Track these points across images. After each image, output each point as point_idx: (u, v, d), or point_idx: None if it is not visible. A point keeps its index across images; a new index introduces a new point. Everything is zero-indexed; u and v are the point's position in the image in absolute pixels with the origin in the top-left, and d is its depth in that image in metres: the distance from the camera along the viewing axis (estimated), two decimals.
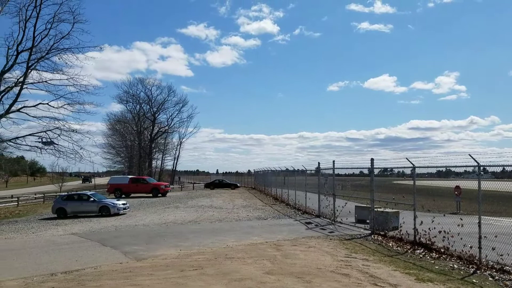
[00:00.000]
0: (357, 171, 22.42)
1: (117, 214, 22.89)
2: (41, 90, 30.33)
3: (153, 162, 74.09)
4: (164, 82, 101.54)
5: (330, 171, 19.46)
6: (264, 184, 45.27)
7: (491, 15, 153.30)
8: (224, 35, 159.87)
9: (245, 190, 52.96)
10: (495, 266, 9.30)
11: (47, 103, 29.12)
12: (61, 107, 29.56)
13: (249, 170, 73.74)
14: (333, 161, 18.85)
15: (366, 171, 17.11)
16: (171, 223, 18.85)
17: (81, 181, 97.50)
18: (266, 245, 12.65)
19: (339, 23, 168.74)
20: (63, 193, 30.56)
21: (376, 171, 16.01)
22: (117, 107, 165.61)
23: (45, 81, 28.84)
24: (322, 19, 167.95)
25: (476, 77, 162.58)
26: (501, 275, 8.72)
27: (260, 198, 36.28)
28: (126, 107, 70.20)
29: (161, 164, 75.95)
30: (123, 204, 23.85)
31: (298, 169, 26.95)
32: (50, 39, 28.30)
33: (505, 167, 11.15)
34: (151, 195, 38.79)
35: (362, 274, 8.88)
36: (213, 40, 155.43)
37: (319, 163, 21.88)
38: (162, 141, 74.99)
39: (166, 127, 72.40)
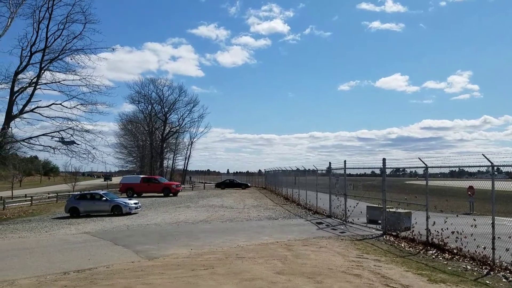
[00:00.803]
0: (368, 171, 22.28)
1: (129, 214, 23.07)
2: (54, 90, 30.80)
3: (164, 162, 74.54)
4: (175, 82, 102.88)
5: (341, 171, 19.36)
6: (275, 184, 45.22)
7: (503, 13, 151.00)
8: (235, 35, 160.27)
9: (255, 190, 52.97)
10: (509, 267, 9.16)
11: (60, 104, 29.52)
12: (74, 107, 29.94)
13: (259, 170, 74.03)
14: (344, 161, 18.77)
15: (377, 171, 16.98)
16: (182, 223, 18.94)
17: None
18: (277, 245, 12.63)
19: (350, 22, 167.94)
20: (76, 193, 30.91)
21: (388, 171, 15.89)
22: (129, 107, 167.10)
23: (58, 82, 29.26)
24: (333, 18, 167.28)
25: (489, 76, 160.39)
26: None
27: (271, 198, 36.25)
28: (138, 107, 70.87)
29: (172, 164, 76.41)
30: (135, 203, 24.03)
31: (309, 169, 26.86)
32: (62, 40, 28.74)
33: None
34: (162, 194, 39.00)
35: (374, 274, 8.82)
36: (223, 40, 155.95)
37: (330, 163, 21.79)
38: (173, 141, 75.42)
39: (177, 127, 72.83)
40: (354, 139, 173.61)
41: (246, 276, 8.60)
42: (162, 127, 71.18)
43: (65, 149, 29.04)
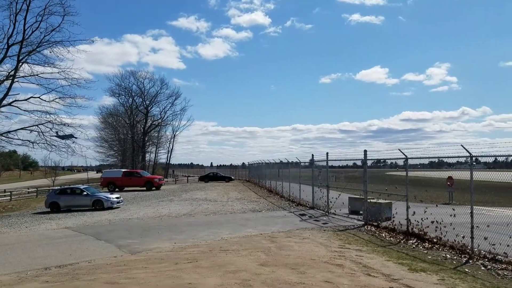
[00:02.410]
0: (350, 163, 22.48)
1: (111, 208, 22.82)
2: (33, 83, 30.17)
3: (147, 155, 73.86)
4: (156, 74, 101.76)
5: (324, 163, 19.53)
6: (259, 177, 45.34)
7: (482, 6, 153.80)
8: (215, 27, 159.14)
9: (239, 183, 53.02)
10: (488, 256, 9.41)
11: (39, 97, 28.92)
12: (53, 100, 29.37)
13: (243, 163, 73.94)
14: (327, 153, 18.93)
15: (359, 163, 17.18)
16: (166, 216, 18.84)
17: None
18: (260, 237, 12.70)
19: (330, 15, 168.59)
20: (56, 187, 30.39)
21: (369, 163, 16.10)
22: (109, 100, 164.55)
23: (36, 75, 28.62)
24: (313, 11, 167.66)
25: (467, 68, 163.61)
26: (494, 265, 8.83)
27: (255, 191, 36.35)
28: (119, 100, 69.77)
29: (155, 158, 75.76)
30: (117, 197, 23.78)
31: (292, 162, 27.01)
32: (40, 32, 28.08)
33: (497, 158, 11.24)
34: (145, 188, 38.69)
35: (356, 264, 8.96)
36: (204, 33, 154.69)
37: (312, 155, 21.96)
38: (156, 134, 74.67)
39: (159, 120, 72.05)
40: (336, 131, 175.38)
41: (230, 268, 8.62)
42: (144, 120, 70.35)
43: (44, 143, 28.51)
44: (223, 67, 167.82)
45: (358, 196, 17.90)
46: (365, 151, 15.59)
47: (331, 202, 18.44)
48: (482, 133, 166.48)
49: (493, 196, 22.93)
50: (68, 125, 28.90)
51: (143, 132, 70.07)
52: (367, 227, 14.54)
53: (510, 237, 9.43)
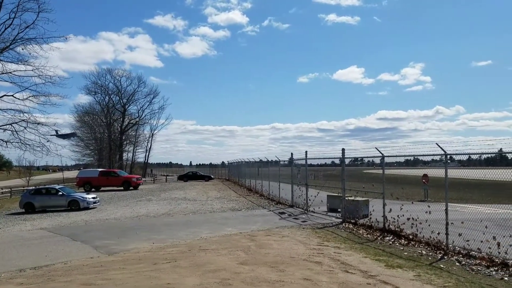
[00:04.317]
0: (329, 161, 22.74)
1: (87, 208, 22.41)
2: (6, 81, 29.31)
3: (124, 154, 72.66)
4: (133, 72, 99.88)
5: (303, 162, 19.67)
6: (238, 176, 45.31)
7: (454, 7, 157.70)
8: (193, 25, 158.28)
9: (219, 182, 52.87)
10: (462, 252, 9.65)
11: (12, 95, 28.21)
12: (27, 99, 28.66)
13: (222, 162, 73.75)
14: (306, 152, 19.07)
15: (337, 161, 17.38)
16: (144, 216, 18.62)
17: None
18: (240, 236, 12.69)
19: (307, 14, 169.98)
20: (31, 187, 29.63)
21: (347, 161, 16.29)
22: (84, 99, 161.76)
23: (9, 72, 27.90)
24: (290, 10, 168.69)
25: (441, 68, 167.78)
26: (468, 260, 9.07)
27: (234, 190, 36.31)
28: (95, 98, 68.44)
29: (132, 157, 74.63)
30: (93, 197, 23.37)
31: (271, 160, 27.10)
32: (13, 29, 27.31)
33: (470, 156, 11.56)
34: (122, 188, 38.14)
35: (334, 261, 9.06)
36: (181, 31, 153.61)
37: (292, 153, 22.07)
38: (133, 133, 73.58)
39: (137, 119, 71.07)
40: (315, 130, 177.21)
41: (210, 267, 8.59)
42: (121, 119, 69.24)
43: (18, 142, 27.78)
44: (201, 66, 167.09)
45: (337, 194, 18.10)
46: (343, 150, 15.77)
47: (310, 200, 18.59)
48: (456, 132, 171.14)
49: (467, 193, 23.59)
50: (43, 124, 28.25)
51: (120, 131, 68.97)
52: (345, 224, 14.73)
53: (484, 233, 9.72)
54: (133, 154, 74.36)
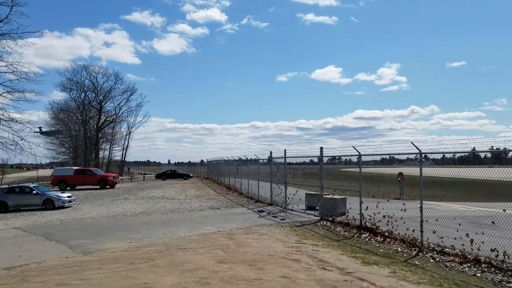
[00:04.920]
0: (307, 160, 22.96)
1: (62, 207, 21.95)
2: None
3: (100, 152, 71.39)
4: (110, 69, 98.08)
5: (282, 160, 19.77)
6: (217, 174, 45.17)
7: (429, 8, 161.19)
8: (171, 22, 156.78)
9: (198, 180, 52.60)
10: (436, 248, 9.89)
11: None
12: (0, 95, 27.73)
13: (202, 160, 73.39)
14: (285, 150, 19.17)
15: (315, 160, 17.55)
16: (120, 215, 18.35)
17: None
18: (219, 235, 12.66)
19: (285, 14, 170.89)
20: (4, 186, 28.77)
21: (325, 160, 16.46)
22: (60, 96, 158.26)
23: None
24: (269, 9, 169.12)
25: (416, 69, 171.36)
26: (442, 257, 9.29)
27: (213, 188, 36.19)
28: (70, 95, 66.80)
29: (109, 155, 73.44)
30: (68, 196, 22.90)
31: (250, 159, 27.12)
32: None
33: (444, 154, 11.87)
34: (98, 187, 37.49)
35: (312, 259, 9.15)
36: (159, 28, 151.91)
37: (271, 152, 22.13)
38: (110, 131, 72.35)
39: (114, 116, 69.87)
40: (293, 129, 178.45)
41: (188, 266, 8.54)
42: (97, 116, 67.94)
43: None
44: (180, 63, 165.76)
45: (315, 192, 18.27)
46: (321, 148, 15.92)
47: (288, 198, 18.70)
48: (431, 131, 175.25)
49: (441, 191, 24.18)
50: (16, 121, 27.46)
51: (97, 129, 67.69)
52: (323, 222, 14.88)
53: (457, 231, 9.99)
54: (109, 152, 73.28)
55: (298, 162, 25.17)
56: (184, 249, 10.42)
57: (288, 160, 19.58)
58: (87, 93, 66.87)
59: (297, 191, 18.84)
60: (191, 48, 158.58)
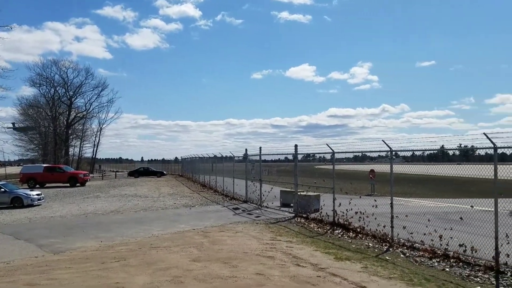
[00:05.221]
0: (282, 157, 23.07)
1: (31, 206, 21.30)
2: None
3: (70, 149, 69.66)
4: (80, 64, 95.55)
5: (257, 157, 19.81)
6: (192, 172, 44.85)
7: (400, 8, 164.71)
8: (143, 17, 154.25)
9: (172, 178, 52.09)
10: (406, 244, 10.14)
11: None
12: None
13: (176, 158, 72.77)
14: (260, 148, 19.22)
15: (290, 157, 17.66)
16: (91, 214, 17.96)
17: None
18: (193, 233, 12.59)
19: (259, 11, 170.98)
20: None
21: (299, 157, 16.60)
22: (29, 91, 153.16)
23: None
24: (243, 6, 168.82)
25: (387, 68, 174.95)
26: (412, 252, 9.54)
27: (188, 186, 35.92)
28: (40, 90, 64.85)
29: (79, 152, 71.69)
30: (38, 194, 22.24)
31: (226, 156, 27.06)
32: None
33: (414, 152, 12.16)
34: (68, 184, 36.57)
35: (286, 255, 9.22)
36: (131, 22, 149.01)
37: (246, 149, 22.16)
38: (80, 127, 70.61)
39: (84, 112, 68.31)
40: (269, 126, 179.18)
41: (161, 265, 8.45)
42: (67, 112, 66.23)
43: None
44: (153, 59, 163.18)
45: (289, 189, 18.41)
46: (296, 146, 16.05)
47: (263, 195, 18.76)
48: (401, 129, 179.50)
49: (411, 188, 24.79)
50: None
51: (67, 125, 65.98)
52: (297, 219, 15.01)
53: (426, 226, 10.29)
54: (80, 149, 71.59)
55: (273, 159, 25.33)
56: (157, 248, 10.30)
57: (263, 158, 19.65)
58: (57, 89, 65.23)
59: (272, 188, 18.93)
60: (164, 44, 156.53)
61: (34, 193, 22.27)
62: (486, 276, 7.55)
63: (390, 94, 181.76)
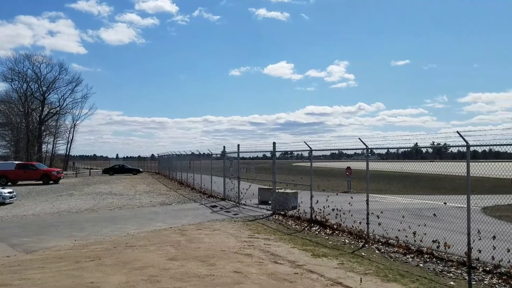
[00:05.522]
0: (260, 155, 23.13)
1: (3, 204, 20.66)
2: None
3: (44, 146, 68.10)
4: (54, 59, 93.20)
5: (235, 155, 19.77)
6: (169, 169, 44.43)
7: (376, 7, 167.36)
8: (118, 12, 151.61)
9: (148, 175, 51.47)
10: (381, 240, 10.33)
11: None
12: None
13: (152, 155, 71.94)
14: (238, 145, 19.19)
15: (268, 154, 17.71)
16: (65, 212, 17.56)
17: None
18: (170, 231, 12.46)
19: (237, 8, 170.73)
20: None
21: (277, 154, 16.66)
22: (0, 86, 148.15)
23: None
24: (221, 2, 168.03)
25: (363, 66, 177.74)
26: (387, 248, 9.71)
27: (165, 183, 35.56)
28: (11, 85, 63.28)
29: (53, 149, 70.16)
30: (10, 192, 21.59)
31: (203, 153, 26.91)
32: None
33: (389, 149, 12.39)
34: (41, 182, 35.72)
35: (264, 253, 9.24)
36: (106, 17, 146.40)
37: (224, 147, 22.10)
38: (54, 124, 69.13)
39: (58, 108, 66.80)
40: (247, 124, 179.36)
41: (137, 264, 8.33)
42: (40, 108, 64.60)
43: None
44: (129, 54, 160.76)
45: (268, 187, 18.46)
46: (274, 143, 16.09)
47: (242, 193, 18.76)
48: (376, 127, 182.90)
49: (386, 185, 25.27)
50: None
51: (39, 121, 64.34)
52: (275, 216, 15.07)
53: (401, 223, 10.49)
54: (53, 146, 70.07)
55: (251, 156, 25.30)
56: (132, 247, 10.16)
57: (241, 155, 19.63)
58: (30, 84, 63.69)
59: (250, 185, 18.93)
60: (140, 39, 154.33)
61: (5, 191, 21.62)
62: (459, 271, 7.75)
63: (366, 92, 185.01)
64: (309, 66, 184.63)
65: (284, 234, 11.73)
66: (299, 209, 14.63)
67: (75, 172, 58.48)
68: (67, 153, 73.17)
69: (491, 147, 8.40)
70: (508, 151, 8.15)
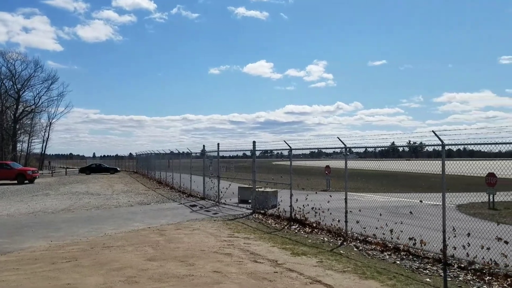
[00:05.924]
0: (240, 153, 23.13)
1: None
2: None
3: (18, 145, 66.46)
4: (29, 56, 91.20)
5: (215, 154, 19.70)
6: (147, 168, 43.94)
7: (352, 8, 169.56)
8: (95, 8, 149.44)
9: (126, 175, 50.78)
10: (359, 238, 10.48)
11: None
12: None
13: (130, 154, 70.90)
14: (218, 144, 19.13)
15: (248, 153, 17.73)
16: (40, 212, 17.15)
17: None
18: (148, 231, 12.33)
19: (215, 6, 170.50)
20: None
21: (257, 153, 16.69)
22: None
23: None
24: (199, 0, 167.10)
25: (341, 66, 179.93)
26: (365, 246, 9.86)
27: (143, 183, 35.16)
28: None
29: (28, 148, 68.51)
30: None
31: (183, 152, 26.71)
32: None
33: (367, 148, 12.58)
34: (16, 181, 34.85)
35: (243, 252, 9.25)
36: (82, 14, 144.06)
37: (204, 145, 21.99)
38: (29, 122, 67.57)
39: (33, 106, 65.30)
40: (226, 122, 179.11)
41: (114, 265, 8.21)
42: (15, 106, 63.02)
43: None
44: (106, 51, 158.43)
45: (248, 186, 18.47)
46: (254, 142, 16.11)
47: (222, 192, 18.71)
48: (354, 126, 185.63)
49: (364, 183, 25.64)
50: None
51: (14, 119, 62.78)
52: (255, 215, 15.09)
53: (378, 220, 10.67)
54: (28, 145, 68.44)
55: (231, 155, 25.28)
56: (110, 248, 10.01)
57: (221, 154, 19.57)
58: (4, 81, 62.24)
59: (230, 184, 18.91)
60: (117, 36, 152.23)
61: None
62: (435, 268, 7.93)
63: (344, 92, 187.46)
64: (288, 65, 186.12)
65: (264, 233, 11.76)
66: (279, 208, 14.69)
67: (51, 172, 57.19)
68: (43, 152, 71.71)
69: (466, 146, 8.64)
70: (482, 150, 8.36)
